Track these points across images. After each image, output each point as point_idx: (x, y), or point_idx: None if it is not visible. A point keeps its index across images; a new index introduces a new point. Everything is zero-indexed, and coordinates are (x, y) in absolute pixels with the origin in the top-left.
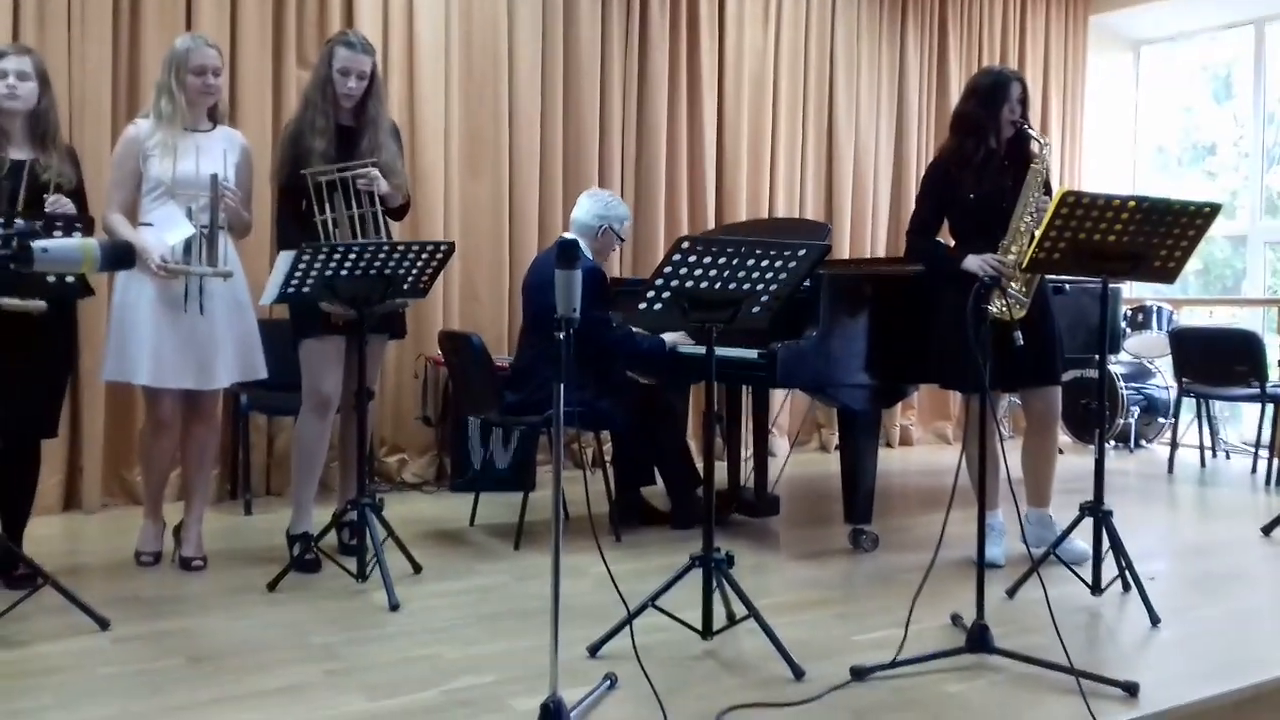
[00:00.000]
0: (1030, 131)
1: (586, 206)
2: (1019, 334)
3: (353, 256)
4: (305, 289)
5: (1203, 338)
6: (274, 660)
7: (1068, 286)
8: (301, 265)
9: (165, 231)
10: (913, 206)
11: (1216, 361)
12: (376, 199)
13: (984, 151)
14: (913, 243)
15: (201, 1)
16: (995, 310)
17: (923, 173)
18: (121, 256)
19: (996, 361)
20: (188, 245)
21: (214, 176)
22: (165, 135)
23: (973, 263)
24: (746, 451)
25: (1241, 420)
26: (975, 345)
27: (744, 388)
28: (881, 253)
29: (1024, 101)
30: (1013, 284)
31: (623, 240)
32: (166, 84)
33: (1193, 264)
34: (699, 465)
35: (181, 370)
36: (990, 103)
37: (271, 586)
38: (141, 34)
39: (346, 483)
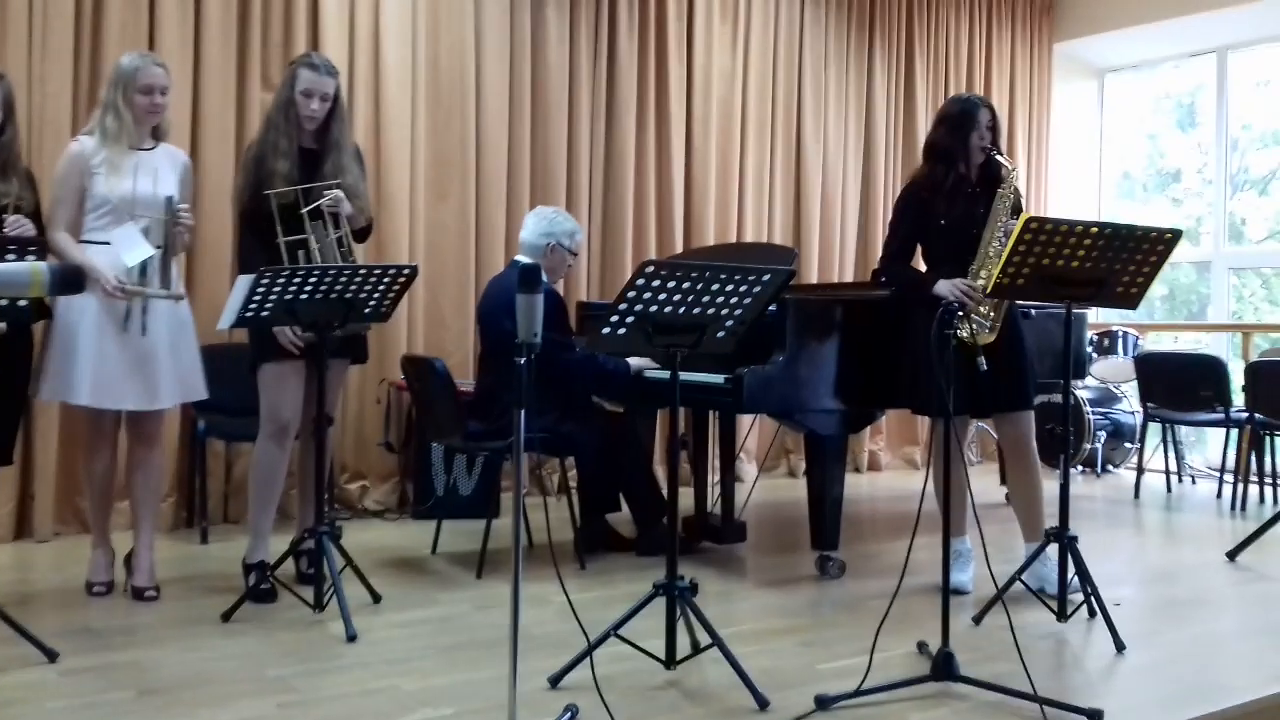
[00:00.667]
0: (998, 157)
1: (532, 226)
2: (983, 360)
3: (313, 280)
4: (264, 313)
5: (1168, 363)
6: (226, 693)
7: (1033, 311)
8: (260, 289)
9: (124, 252)
10: (880, 231)
11: (1181, 386)
12: (343, 221)
13: (954, 178)
14: (886, 268)
15: (164, 23)
16: (964, 335)
17: (891, 198)
18: (71, 280)
19: (965, 386)
20: (143, 267)
21: (169, 199)
22: (110, 153)
23: (943, 287)
24: (714, 477)
25: (1207, 445)
26: (940, 369)
27: (711, 413)
28: (849, 277)
29: (993, 128)
30: (980, 308)
31: (574, 254)
32: (113, 101)
33: (1158, 289)
34: (665, 491)
35: (122, 391)
36: (959, 130)
37: (226, 617)
38: (103, 55)
39: (305, 510)
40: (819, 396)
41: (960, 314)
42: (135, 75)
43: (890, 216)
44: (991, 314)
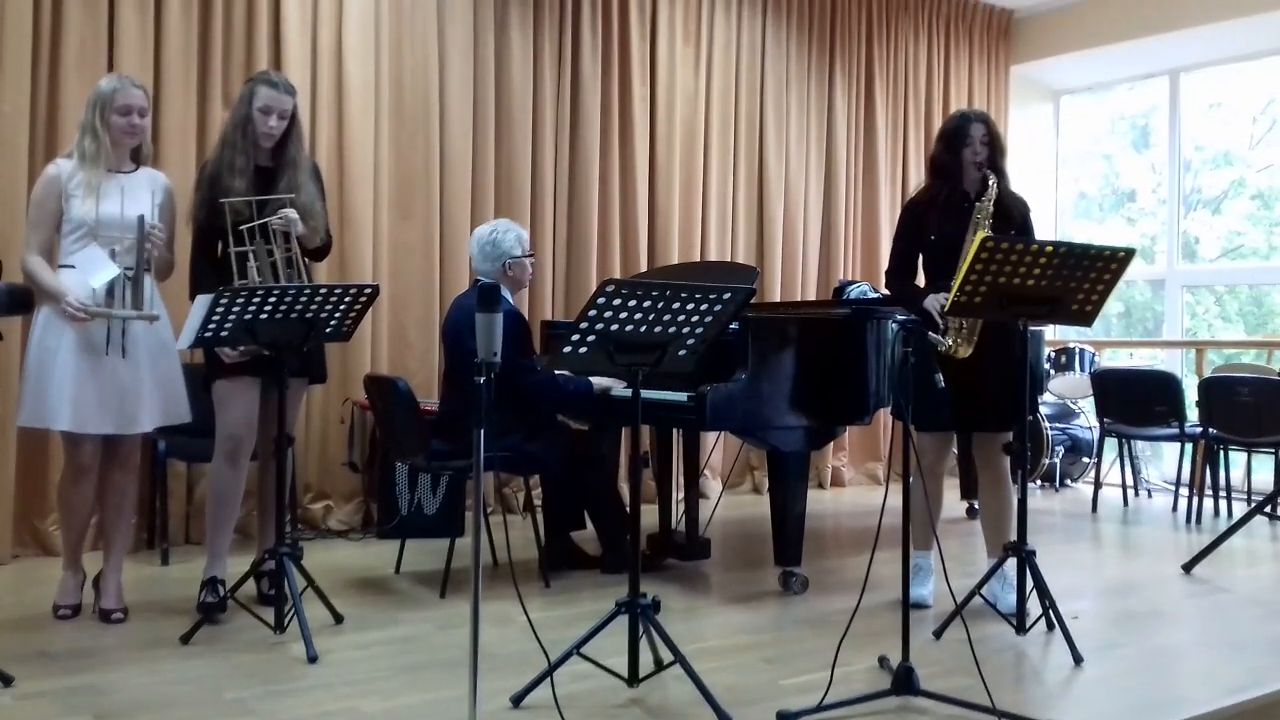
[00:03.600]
0: (985, 172)
1: (478, 255)
2: (940, 377)
3: (272, 300)
4: (224, 333)
5: (1124, 379)
6: (185, 716)
7: None
8: (220, 308)
9: (89, 274)
10: (841, 250)
11: (1137, 402)
12: (293, 240)
13: (946, 193)
14: (888, 283)
15: (124, 42)
16: (943, 348)
17: (852, 217)
18: (19, 301)
19: (960, 404)
20: (110, 288)
21: (140, 218)
22: (88, 176)
23: (930, 302)
24: (678, 494)
25: (1162, 459)
26: (899, 385)
27: (675, 430)
28: (812, 295)
29: (990, 143)
30: (953, 324)
31: (531, 257)
32: (91, 123)
33: (1114, 306)
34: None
35: (103, 415)
36: (952, 145)
37: (186, 639)
38: (61, 75)
39: (265, 531)
40: (781, 414)
41: (940, 330)
42: (113, 97)
43: (862, 232)
44: (963, 328)
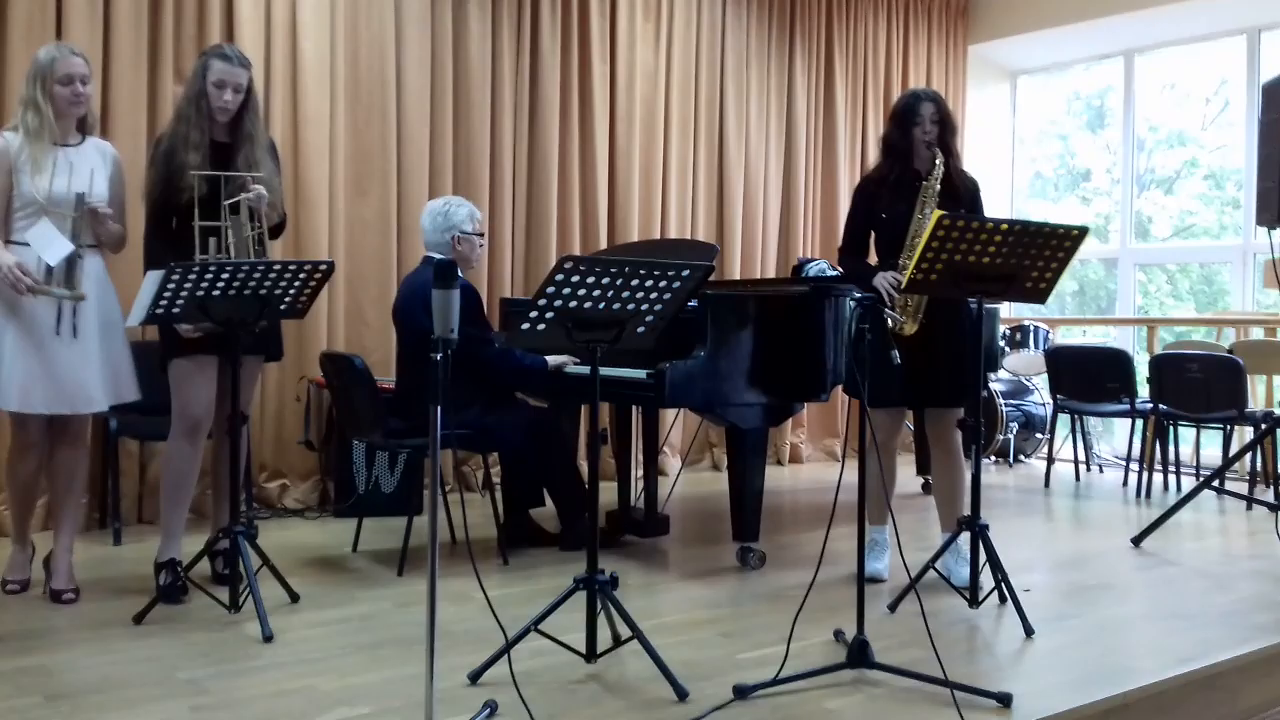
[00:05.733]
0: (936, 150)
1: (428, 226)
2: (896, 353)
3: (225, 276)
4: (175, 309)
5: (1077, 356)
6: (138, 697)
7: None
8: (171, 285)
9: (43, 251)
10: (800, 227)
11: (1090, 378)
12: (261, 216)
13: (898, 171)
14: (840, 260)
15: (72, 13)
16: (890, 325)
17: (811, 195)
18: None
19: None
20: (51, 264)
21: (79, 195)
22: (34, 151)
23: (879, 279)
24: (637, 471)
25: (1114, 435)
26: (855, 361)
27: (634, 407)
28: (771, 272)
29: (940, 121)
30: (900, 301)
31: (481, 235)
32: (32, 97)
33: (1069, 285)
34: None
35: (50, 395)
36: (903, 124)
37: (138, 619)
38: (8, 46)
39: (220, 510)
40: (740, 390)
41: (888, 307)
42: (53, 66)
43: (821, 210)
44: (910, 306)
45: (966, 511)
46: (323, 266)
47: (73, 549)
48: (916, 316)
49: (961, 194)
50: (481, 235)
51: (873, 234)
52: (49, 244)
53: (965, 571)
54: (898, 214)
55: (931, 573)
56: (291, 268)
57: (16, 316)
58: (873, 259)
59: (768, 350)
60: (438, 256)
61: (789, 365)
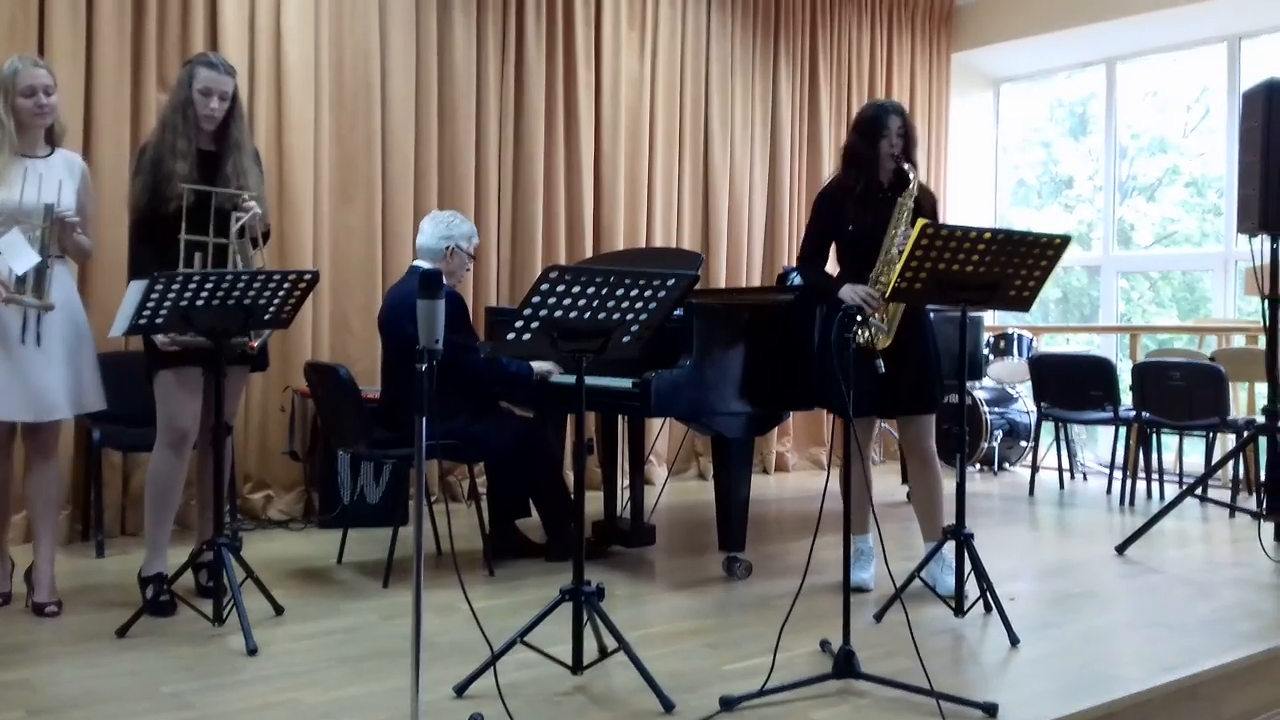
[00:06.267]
0: (905, 165)
1: (429, 230)
2: (880, 362)
3: (209, 286)
4: (158, 320)
5: (1060, 364)
6: (121, 711)
7: (931, 315)
8: (154, 295)
9: (12, 260)
10: (785, 236)
11: (1073, 386)
12: (247, 230)
13: (864, 183)
14: (800, 269)
15: (55, 19)
16: (861, 339)
17: (796, 203)
18: None
19: (871, 388)
20: (19, 274)
21: (48, 206)
22: (0, 163)
23: (846, 292)
24: (623, 481)
25: (1098, 442)
26: (839, 372)
27: (620, 417)
28: (756, 281)
29: (905, 135)
30: (876, 314)
31: (472, 257)
32: None
33: (1052, 292)
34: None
35: (15, 402)
36: (869, 135)
37: (122, 632)
38: None
39: (204, 522)
40: (725, 399)
41: (860, 319)
42: (15, 79)
43: (806, 219)
44: (885, 320)
45: (946, 520)
46: (307, 276)
47: (54, 561)
48: (891, 330)
49: (925, 207)
50: (473, 258)
51: (833, 244)
52: (17, 254)
53: (950, 580)
54: (865, 226)
55: (917, 582)
56: (276, 277)
57: None
58: (830, 268)
59: (753, 359)
60: (425, 266)
61: (775, 374)
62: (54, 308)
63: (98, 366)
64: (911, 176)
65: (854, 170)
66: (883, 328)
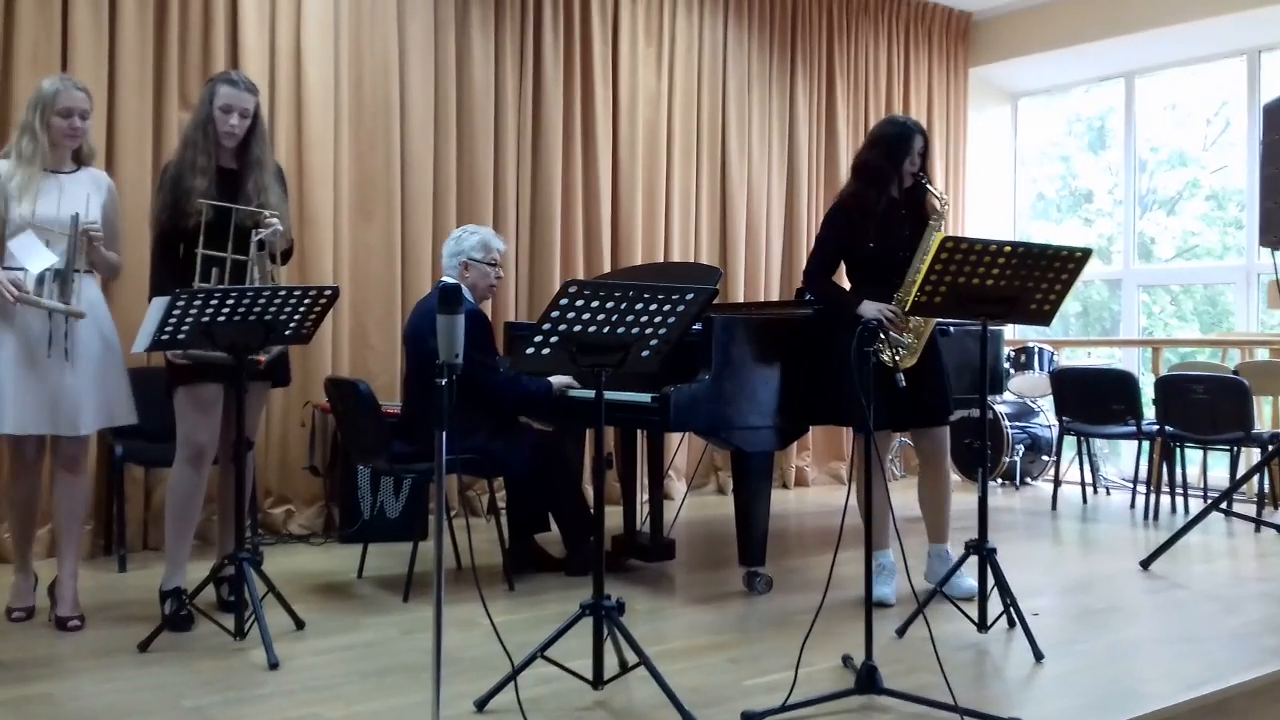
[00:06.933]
0: (930, 188)
1: (445, 251)
2: (901, 376)
3: (230, 302)
4: (181, 335)
5: (1082, 377)
6: None
7: (951, 329)
8: (176, 311)
9: (25, 260)
10: (804, 250)
11: (1095, 400)
12: (267, 245)
13: (885, 201)
14: (810, 283)
15: (78, 42)
16: (886, 358)
17: (814, 217)
18: None
19: (886, 402)
20: (40, 278)
21: (75, 216)
22: (24, 176)
23: (869, 309)
24: (643, 495)
25: (1120, 457)
26: (860, 387)
27: (639, 431)
28: (775, 295)
29: (924, 154)
30: (905, 335)
31: (493, 265)
32: (30, 124)
33: (1072, 306)
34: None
35: (45, 416)
36: (893, 154)
37: (143, 647)
38: (14, 76)
39: (225, 536)
40: (745, 414)
41: (882, 336)
42: (55, 98)
43: (818, 232)
44: (914, 339)
45: (951, 522)
46: (328, 292)
47: (77, 575)
48: (918, 349)
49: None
50: (494, 265)
51: (843, 261)
52: (30, 254)
53: (966, 582)
54: (887, 244)
55: (939, 597)
56: (296, 293)
57: (9, 340)
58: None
59: (772, 373)
60: (449, 281)
61: (795, 388)
62: (84, 315)
63: (128, 380)
64: (943, 199)
65: (873, 189)
66: (910, 345)
